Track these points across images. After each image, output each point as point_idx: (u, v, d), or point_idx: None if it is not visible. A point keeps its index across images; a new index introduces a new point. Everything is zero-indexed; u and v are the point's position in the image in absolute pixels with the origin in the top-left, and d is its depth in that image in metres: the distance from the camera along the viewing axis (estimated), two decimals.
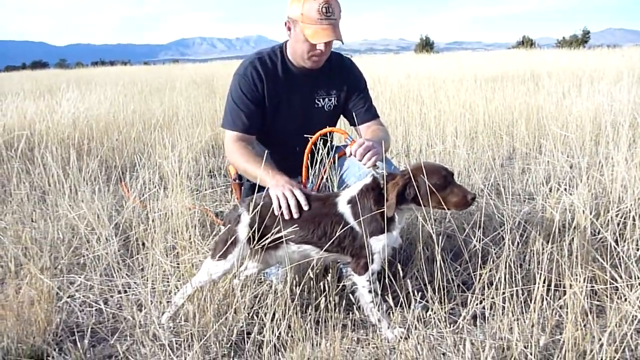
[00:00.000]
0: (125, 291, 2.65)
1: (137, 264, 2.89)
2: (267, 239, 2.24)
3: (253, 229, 2.25)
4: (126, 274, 2.80)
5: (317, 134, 2.71)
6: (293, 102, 2.85)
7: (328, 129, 2.75)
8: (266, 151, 2.62)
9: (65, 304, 2.57)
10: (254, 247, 2.28)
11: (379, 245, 2.24)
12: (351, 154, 2.45)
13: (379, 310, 2.27)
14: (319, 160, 2.74)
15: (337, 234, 2.23)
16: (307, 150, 2.71)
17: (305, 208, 2.27)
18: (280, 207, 2.26)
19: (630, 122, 4.70)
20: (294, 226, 2.25)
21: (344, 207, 2.26)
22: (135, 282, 2.69)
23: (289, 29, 2.72)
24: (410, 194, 2.22)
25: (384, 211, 2.21)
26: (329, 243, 2.24)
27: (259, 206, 2.26)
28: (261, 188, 2.42)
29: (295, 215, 2.25)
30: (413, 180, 2.20)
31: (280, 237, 2.25)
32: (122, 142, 5.67)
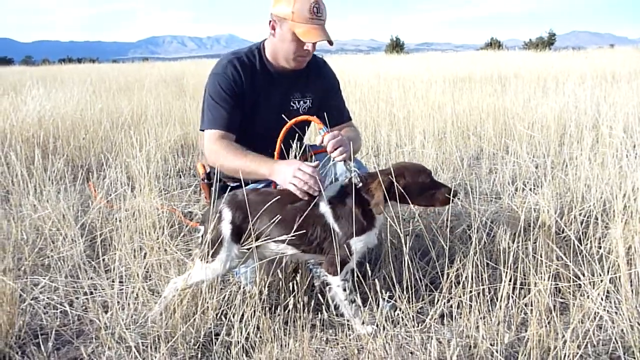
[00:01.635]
0: (91, 293, 2.60)
1: (104, 265, 2.84)
2: (258, 238, 2.25)
3: (236, 225, 2.25)
4: (92, 275, 2.75)
5: (293, 120, 2.65)
6: (270, 103, 2.79)
7: (304, 117, 2.70)
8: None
9: (29, 306, 2.51)
10: (242, 245, 2.27)
11: (359, 245, 2.26)
12: (322, 143, 2.46)
13: (353, 307, 2.29)
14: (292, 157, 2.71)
15: (318, 235, 2.24)
16: (280, 138, 2.64)
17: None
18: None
19: (593, 123, 4.83)
20: (275, 226, 2.24)
21: (324, 208, 2.27)
22: (101, 284, 2.64)
23: (273, 27, 2.66)
24: (395, 192, 2.24)
25: (364, 211, 2.23)
26: (308, 243, 2.25)
27: (241, 202, 2.27)
28: (232, 188, 2.40)
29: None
30: (397, 178, 2.23)
31: (263, 235, 2.25)
32: (89, 141, 5.57)
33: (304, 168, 2.28)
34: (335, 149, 2.42)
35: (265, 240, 2.25)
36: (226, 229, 2.26)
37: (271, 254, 2.33)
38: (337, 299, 2.32)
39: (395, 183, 2.22)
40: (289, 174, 2.30)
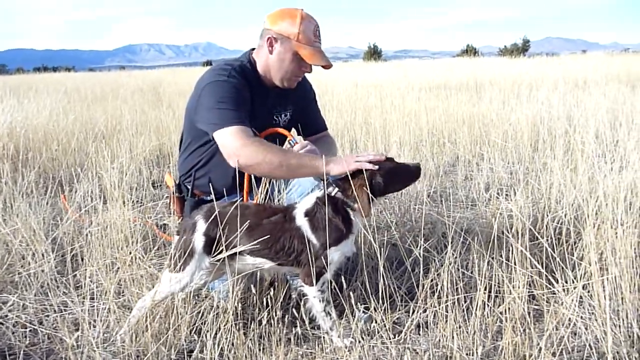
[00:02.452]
0: (62, 310, 2.54)
1: (75, 281, 2.78)
2: (229, 251, 2.21)
3: (209, 237, 2.22)
4: (63, 292, 2.69)
5: (263, 132, 2.64)
6: (257, 117, 2.67)
7: (272, 129, 2.68)
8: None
9: None
10: (213, 258, 2.23)
11: (336, 255, 2.24)
12: None
13: (330, 319, 2.27)
14: None
15: (295, 248, 2.22)
16: None
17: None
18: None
19: (565, 129, 4.89)
20: (251, 240, 2.21)
21: (301, 220, 2.25)
22: (72, 301, 2.58)
23: (271, 45, 2.58)
24: (378, 188, 2.26)
25: (343, 218, 2.24)
26: (286, 256, 2.23)
27: (217, 214, 2.22)
28: (203, 202, 2.35)
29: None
30: (373, 174, 2.25)
31: (238, 249, 2.21)
32: (61, 152, 5.48)
33: (360, 154, 2.33)
34: None
35: (236, 250, 2.21)
36: (199, 240, 2.23)
37: (247, 267, 2.30)
38: (313, 310, 2.30)
39: (372, 182, 2.24)
40: (350, 159, 2.29)
